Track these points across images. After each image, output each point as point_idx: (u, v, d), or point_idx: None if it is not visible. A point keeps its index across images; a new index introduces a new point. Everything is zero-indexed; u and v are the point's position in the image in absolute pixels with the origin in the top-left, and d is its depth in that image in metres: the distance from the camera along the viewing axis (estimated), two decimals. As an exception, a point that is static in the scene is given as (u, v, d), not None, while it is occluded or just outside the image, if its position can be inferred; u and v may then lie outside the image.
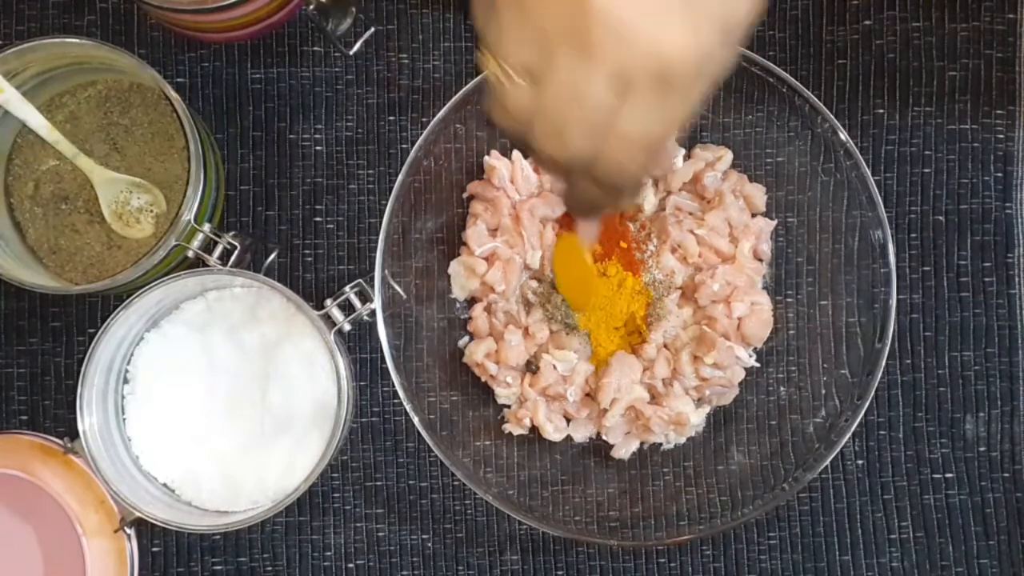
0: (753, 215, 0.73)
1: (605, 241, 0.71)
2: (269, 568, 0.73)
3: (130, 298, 0.65)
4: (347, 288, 0.68)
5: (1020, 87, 0.75)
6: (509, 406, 0.73)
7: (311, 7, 0.68)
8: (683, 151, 0.73)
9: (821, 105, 0.69)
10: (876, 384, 0.69)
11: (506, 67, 0.46)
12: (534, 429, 0.72)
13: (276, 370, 0.68)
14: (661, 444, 0.73)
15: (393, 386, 0.68)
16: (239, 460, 0.69)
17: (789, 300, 0.73)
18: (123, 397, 0.69)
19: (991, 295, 0.75)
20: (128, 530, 0.67)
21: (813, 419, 0.71)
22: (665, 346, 0.72)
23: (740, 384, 0.73)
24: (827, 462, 0.69)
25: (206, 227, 0.66)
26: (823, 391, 0.71)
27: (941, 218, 0.75)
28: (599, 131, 0.45)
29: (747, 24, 0.45)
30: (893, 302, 0.69)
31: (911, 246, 0.75)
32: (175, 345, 0.70)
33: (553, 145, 0.46)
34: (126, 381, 0.70)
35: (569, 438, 0.73)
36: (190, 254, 0.66)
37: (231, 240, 0.66)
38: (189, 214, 0.65)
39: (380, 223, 0.68)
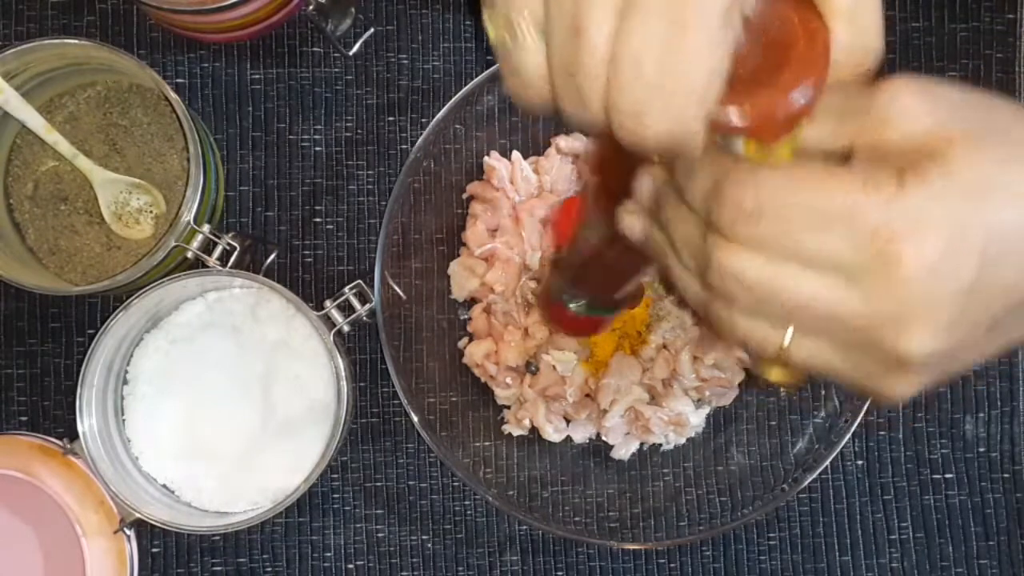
0: (753, 215, 0.73)
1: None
2: (269, 569, 0.73)
3: (130, 299, 0.65)
4: (346, 289, 0.68)
5: (1020, 87, 0.75)
6: (509, 407, 0.73)
7: (311, 8, 0.68)
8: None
9: (821, 105, 0.69)
10: (876, 384, 0.69)
11: (514, 21, 0.37)
12: (534, 430, 0.72)
13: (276, 371, 0.68)
14: (661, 445, 0.73)
15: (393, 387, 0.68)
16: (239, 461, 0.69)
17: (789, 300, 0.73)
18: (123, 398, 0.69)
19: (991, 295, 0.75)
20: (128, 531, 0.67)
21: (813, 419, 0.71)
22: (664, 347, 0.72)
23: (740, 384, 0.73)
24: (827, 462, 0.69)
25: (205, 228, 0.66)
26: (823, 391, 0.71)
27: (941, 218, 0.75)
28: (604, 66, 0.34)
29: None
30: (893, 302, 0.68)
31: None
32: (175, 346, 0.70)
33: (572, 102, 0.36)
34: (126, 382, 0.70)
35: (569, 439, 0.73)
36: (190, 255, 0.66)
37: (230, 241, 0.66)
38: (188, 215, 0.65)
39: (380, 224, 0.68)
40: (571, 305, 0.53)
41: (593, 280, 0.50)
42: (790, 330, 0.37)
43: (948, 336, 0.36)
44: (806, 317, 0.37)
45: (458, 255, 0.73)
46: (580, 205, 0.49)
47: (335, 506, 0.73)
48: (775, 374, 0.41)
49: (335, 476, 0.73)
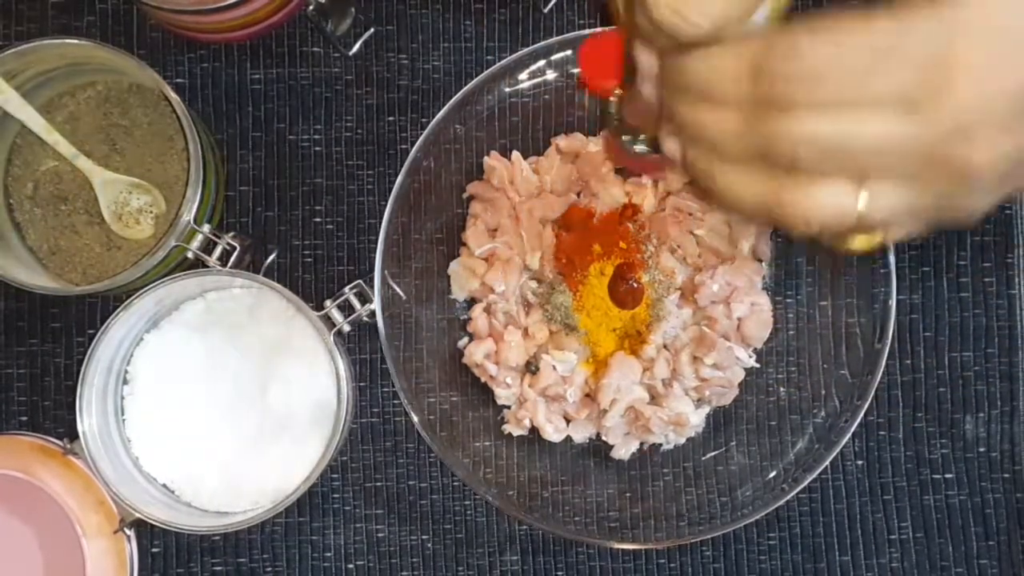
0: (753, 215, 0.73)
1: (605, 241, 0.72)
2: (269, 569, 0.73)
3: (130, 299, 0.65)
4: (347, 289, 0.68)
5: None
6: (509, 407, 0.73)
7: (310, 8, 0.68)
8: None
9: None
10: (876, 384, 0.69)
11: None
12: (534, 430, 0.72)
13: (276, 371, 0.68)
14: (661, 444, 0.73)
15: (393, 387, 0.68)
16: (239, 461, 0.69)
17: (789, 300, 0.73)
18: (123, 398, 0.69)
19: (991, 295, 0.75)
20: (128, 531, 0.67)
21: (813, 419, 0.71)
22: (665, 347, 0.72)
23: (740, 385, 0.73)
24: (827, 462, 0.69)
25: (205, 228, 0.66)
26: (823, 391, 0.71)
27: (941, 218, 0.75)
28: None
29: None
30: (893, 302, 0.69)
31: (911, 246, 0.75)
32: (175, 346, 0.70)
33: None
34: (126, 382, 0.70)
35: (569, 439, 0.73)
36: (190, 255, 0.66)
37: (231, 241, 0.66)
38: (189, 215, 0.65)
39: (380, 223, 0.68)
40: (636, 147, 0.53)
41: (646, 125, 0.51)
42: (864, 194, 0.39)
43: (1008, 137, 0.38)
44: (877, 160, 0.38)
45: (458, 255, 0.73)
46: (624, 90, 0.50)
47: (335, 506, 0.73)
48: (857, 243, 0.43)
49: (335, 476, 0.73)
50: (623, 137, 0.53)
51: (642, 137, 0.53)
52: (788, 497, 0.69)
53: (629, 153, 0.53)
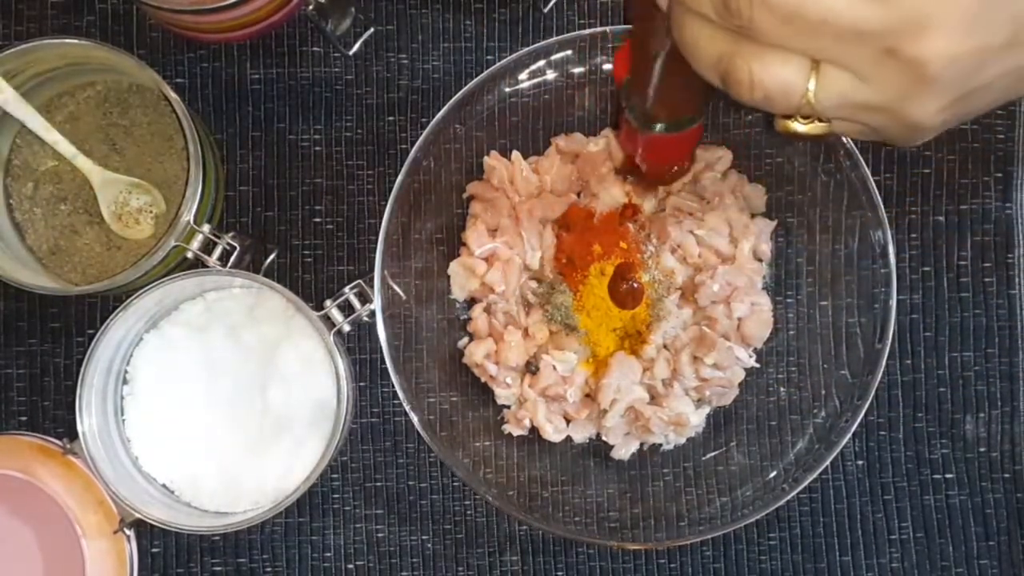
0: (753, 215, 0.73)
1: (605, 241, 0.71)
2: (269, 569, 0.73)
3: (129, 299, 0.65)
4: (347, 289, 0.68)
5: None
6: (509, 407, 0.73)
7: (310, 7, 0.68)
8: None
9: (821, 105, 0.69)
10: (876, 384, 0.69)
11: None
12: (534, 430, 0.72)
13: (276, 371, 0.68)
14: (661, 444, 0.73)
15: (393, 387, 0.68)
16: (239, 461, 0.69)
17: (789, 300, 0.73)
18: (122, 398, 0.69)
19: (991, 295, 0.75)
20: (127, 531, 0.67)
21: (813, 419, 0.71)
22: (665, 347, 0.72)
23: (740, 385, 0.73)
24: (827, 462, 0.69)
25: (205, 228, 0.66)
26: (823, 391, 0.71)
27: (941, 218, 0.75)
28: None
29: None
30: (893, 302, 0.69)
31: (911, 246, 0.75)
32: (174, 346, 0.70)
33: None
34: (125, 382, 0.70)
35: (569, 439, 0.73)
36: (189, 255, 0.66)
37: (230, 241, 0.66)
38: (188, 215, 0.65)
39: (380, 223, 0.68)
40: (656, 128, 0.53)
41: (665, 87, 0.51)
42: (814, 76, 0.38)
43: (966, 39, 0.36)
44: (829, 38, 0.37)
45: (458, 255, 0.73)
46: (633, 19, 0.50)
47: (335, 506, 0.73)
48: (800, 126, 0.42)
49: (335, 476, 0.73)
50: (645, 123, 0.53)
51: (662, 123, 0.53)
52: (788, 497, 0.69)
53: (656, 136, 0.53)
